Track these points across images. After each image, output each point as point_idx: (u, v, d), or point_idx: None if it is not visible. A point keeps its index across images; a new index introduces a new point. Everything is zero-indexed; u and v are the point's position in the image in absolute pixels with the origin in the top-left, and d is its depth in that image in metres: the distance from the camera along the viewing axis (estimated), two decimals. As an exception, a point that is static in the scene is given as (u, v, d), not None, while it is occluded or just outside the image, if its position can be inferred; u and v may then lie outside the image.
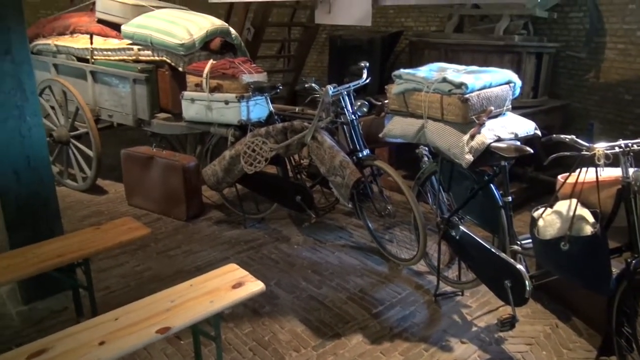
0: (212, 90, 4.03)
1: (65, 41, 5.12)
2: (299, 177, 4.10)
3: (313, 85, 3.59)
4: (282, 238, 3.93)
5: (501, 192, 2.60)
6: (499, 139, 2.55)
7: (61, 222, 3.01)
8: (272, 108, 4.02)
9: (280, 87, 4.07)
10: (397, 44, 6.77)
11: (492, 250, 2.60)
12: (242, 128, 3.95)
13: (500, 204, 2.60)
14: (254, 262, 3.54)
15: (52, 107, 4.97)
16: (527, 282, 2.42)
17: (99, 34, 4.99)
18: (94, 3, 5.35)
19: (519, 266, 2.47)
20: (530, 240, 2.48)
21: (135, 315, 1.96)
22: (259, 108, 4.02)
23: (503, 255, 2.55)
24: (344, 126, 3.56)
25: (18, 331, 2.77)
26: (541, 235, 2.18)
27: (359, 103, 3.49)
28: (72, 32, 5.17)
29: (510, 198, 2.56)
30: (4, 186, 2.71)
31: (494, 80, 2.68)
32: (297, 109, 4.20)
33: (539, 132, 2.73)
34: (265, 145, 3.65)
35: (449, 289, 3.16)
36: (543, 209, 2.24)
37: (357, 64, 3.69)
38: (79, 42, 5.01)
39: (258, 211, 4.28)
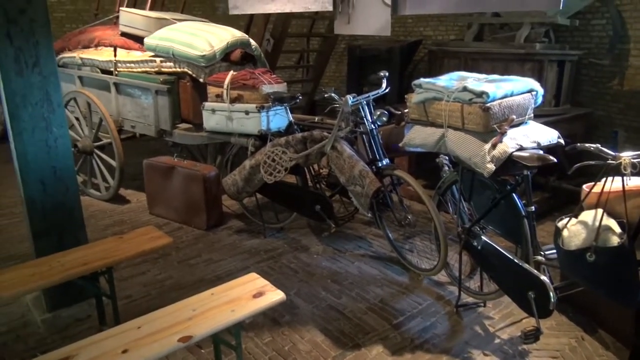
0: (233, 100, 4.08)
1: (89, 54, 5.25)
2: (319, 186, 4.11)
3: (332, 95, 3.61)
4: (302, 247, 3.93)
5: (524, 201, 2.57)
6: (521, 148, 2.52)
7: (85, 231, 3.06)
8: (291, 118, 4.04)
9: (300, 98, 4.09)
10: (415, 53, 6.77)
11: (515, 260, 2.56)
12: (262, 138, 3.99)
13: (523, 213, 2.56)
14: (273, 271, 3.54)
15: (77, 118, 5.08)
16: (551, 294, 2.37)
17: (122, 47, 5.10)
18: (117, 17, 5.48)
19: (543, 277, 2.43)
20: (554, 251, 2.44)
21: (158, 324, 1.97)
22: (278, 118, 4.05)
23: (526, 266, 2.51)
24: (363, 135, 3.56)
25: (43, 338, 2.81)
26: (566, 245, 2.14)
27: (378, 112, 3.49)
28: (97, 45, 5.30)
29: (533, 208, 2.53)
30: (31, 196, 2.78)
31: (516, 89, 2.66)
32: (316, 119, 4.22)
33: (562, 141, 2.69)
34: (285, 154, 3.67)
35: (470, 300, 3.12)
36: (568, 219, 2.20)
37: (376, 73, 3.70)
38: (103, 55, 5.13)
39: (277, 220, 4.29)
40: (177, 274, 3.53)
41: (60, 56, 5.39)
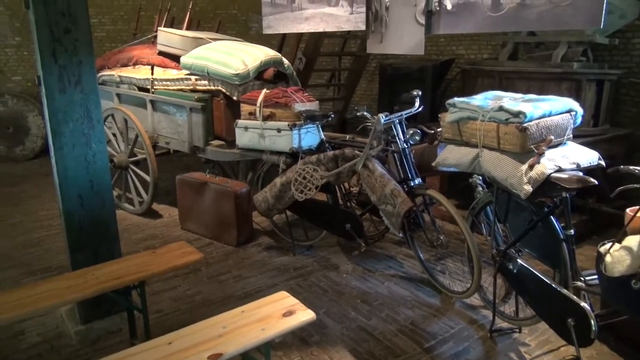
0: (265, 118, 4.12)
1: (128, 72, 5.41)
2: (349, 204, 4.09)
3: (365, 113, 3.61)
4: (331, 266, 3.90)
5: (562, 224, 2.48)
6: (560, 169, 2.45)
7: (120, 245, 3.12)
8: (323, 136, 4.05)
9: (332, 116, 4.11)
10: (448, 72, 6.73)
11: (554, 286, 2.47)
12: (294, 156, 4.01)
13: (562, 237, 2.48)
14: (302, 289, 3.52)
15: (114, 134, 5.22)
16: (592, 322, 2.27)
17: (159, 65, 5.24)
18: (155, 36, 5.64)
19: (584, 304, 2.33)
20: (595, 277, 2.35)
21: (188, 340, 1.98)
22: (310, 136, 4.07)
23: (565, 291, 2.42)
24: (395, 154, 3.53)
25: (76, 350, 2.86)
26: (609, 272, 2.05)
27: (411, 131, 3.47)
28: (135, 64, 5.47)
29: (572, 231, 2.44)
30: (69, 209, 2.85)
31: (554, 109, 2.59)
32: (347, 137, 4.22)
33: (602, 163, 2.61)
34: (316, 172, 3.67)
35: (505, 325, 3.02)
36: (610, 244, 2.11)
37: (407, 92, 3.68)
38: (141, 73, 5.28)
39: (307, 238, 4.28)
40: (206, 289, 3.54)
41: (100, 74, 5.58)
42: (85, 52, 2.74)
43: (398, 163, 3.52)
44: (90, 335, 2.97)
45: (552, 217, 2.53)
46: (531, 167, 2.45)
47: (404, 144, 3.47)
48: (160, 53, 5.37)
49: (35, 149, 7.74)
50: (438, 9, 3.49)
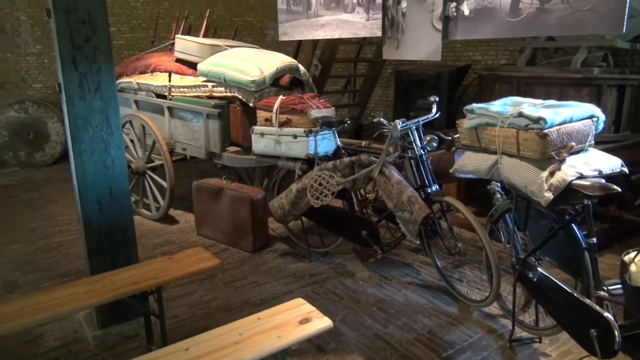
0: (282, 124, 4.13)
1: (145, 79, 5.47)
2: (365, 211, 4.06)
3: (381, 119, 3.59)
4: (347, 273, 3.87)
5: (584, 232, 2.43)
6: (582, 176, 2.40)
7: (137, 250, 3.14)
8: (339, 142, 4.04)
9: (348, 122, 4.10)
10: (464, 78, 6.68)
11: (576, 295, 2.42)
12: (310, 162, 4.00)
13: (584, 245, 2.42)
14: (318, 296, 3.50)
15: (132, 141, 5.28)
16: (616, 333, 2.21)
17: (176, 72, 5.29)
18: (173, 44, 5.70)
19: (607, 314, 2.27)
20: (618, 286, 2.30)
21: (205, 347, 1.97)
22: (326, 142, 4.06)
23: (588, 301, 2.36)
24: (412, 161, 3.51)
25: (93, 355, 2.87)
26: (633, 281, 2.00)
27: (428, 138, 3.44)
28: (153, 71, 5.53)
29: (595, 239, 2.39)
30: (87, 215, 2.88)
31: (575, 115, 2.55)
32: (363, 143, 4.20)
33: (626, 169, 2.55)
34: (332, 179, 3.66)
35: (525, 334, 2.96)
36: (635, 252, 2.06)
37: (423, 98, 3.67)
38: (158, 80, 5.33)
39: (323, 245, 4.26)
40: (222, 295, 3.54)
41: (119, 81, 5.65)
42: (105, 60, 2.78)
43: (415, 169, 3.49)
44: (107, 340, 2.99)
45: (573, 225, 2.48)
46: (552, 174, 2.41)
47: (421, 151, 3.44)
48: (178, 60, 5.42)
49: (54, 155, 7.87)
50: (455, 14, 3.48)
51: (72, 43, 2.66)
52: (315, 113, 4.03)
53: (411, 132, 3.44)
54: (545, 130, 2.42)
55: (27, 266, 4.08)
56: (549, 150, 2.44)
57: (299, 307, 2.29)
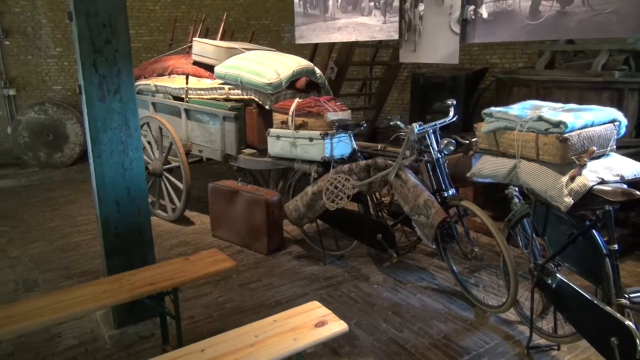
0: (297, 127, 4.13)
1: (163, 81, 5.53)
2: (380, 214, 4.05)
3: (398, 123, 3.57)
4: (362, 276, 3.86)
5: (605, 238, 2.39)
6: (603, 181, 2.36)
7: (154, 251, 3.16)
8: (355, 145, 4.03)
9: (365, 125, 4.09)
10: (481, 81, 6.63)
11: (596, 302, 2.37)
12: (325, 165, 4.00)
13: (605, 252, 2.38)
14: (333, 299, 3.49)
15: (149, 142, 5.33)
16: (637, 341, 2.17)
17: (194, 75, 5.33)
18: (190, 46, 5.76)
19: (628, 322, 2.23)
20: (640, 294, 2.25)
21: (221, 348, 1.98)
22: (342, 145, 4.06)
23: (609, 308, 2.32)
24: (428, 164, 3.48)
25: (109, 354, 2.90)
26: (657, 289, 1.96)
27: (445, 141, 3.41)
28: (170, 73, 5.58)
29: (616, 246, 2.34)
30: (106, 215, 2.91)
31: (597, 119, 2.51)
32: (379, 146, 4.19)
33: (648, 175, 2.50)
34: (347, 182, 3.65)
35: (543, 341, 2.91)
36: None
37: (440, 101, 3.64)
38: (176, 82, 5.38)
39: (338, 248, 4.25)
40: (237, 297, 3.55)
41: (137, 83, 5.72)
42: (125, 62, 2.81)
43: (431, 173, 3.47)
44: (123, 339, 3.01)
45: (594, 230, 2.44)
46: (572, 178, 2.37)
47: (438, 154, 3.42)
48: (195, 63, 5.46)
49: (73, 156, 7.98)
50: (474, 17, 3.45)
51: (92, 46, 2.70)
52: (331, 116, 4.02)
53: (428, 135, 3.42)
54: (566, 135, 2.39)
55: (45, 265, 4.14)
56: (569, 154, 2.41)
57: (315, 310, 2.29)
